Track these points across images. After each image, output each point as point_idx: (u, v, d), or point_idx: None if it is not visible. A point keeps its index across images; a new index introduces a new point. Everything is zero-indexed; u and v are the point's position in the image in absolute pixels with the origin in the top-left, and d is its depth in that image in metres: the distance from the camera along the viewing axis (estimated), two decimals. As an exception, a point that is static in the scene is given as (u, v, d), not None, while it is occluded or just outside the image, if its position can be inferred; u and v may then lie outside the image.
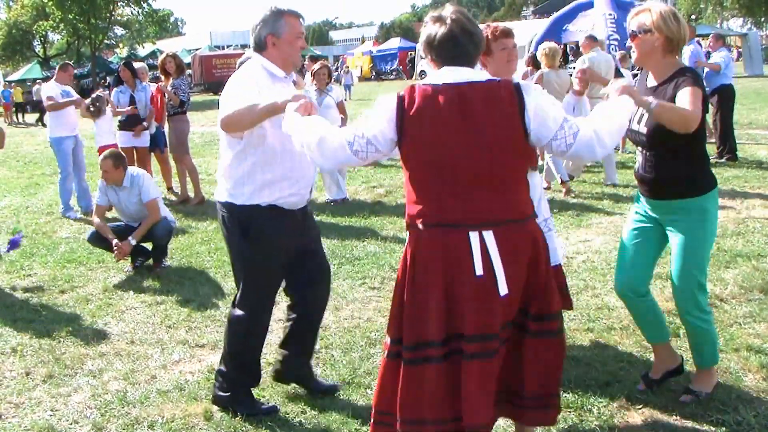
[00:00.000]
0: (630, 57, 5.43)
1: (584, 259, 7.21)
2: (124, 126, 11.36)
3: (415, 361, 3.28)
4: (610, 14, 18.23)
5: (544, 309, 3.39)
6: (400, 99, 3.31)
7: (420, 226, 3.29)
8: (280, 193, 4.21)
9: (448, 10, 3.28)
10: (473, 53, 3.31)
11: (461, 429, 3.27)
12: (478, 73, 3.32)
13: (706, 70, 12.44)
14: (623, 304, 5.83)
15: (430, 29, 3.30)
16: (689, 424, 4.11)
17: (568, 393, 4.45)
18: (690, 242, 4.11)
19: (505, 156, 3.22)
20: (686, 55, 12.38)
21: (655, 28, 3.93)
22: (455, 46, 3.26)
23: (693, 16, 57.72)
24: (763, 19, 51.11)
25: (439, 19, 3.27)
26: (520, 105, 3.19)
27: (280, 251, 4.32)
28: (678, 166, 4.07)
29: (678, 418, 4.16)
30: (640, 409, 4.27)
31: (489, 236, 3.19)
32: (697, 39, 13.15)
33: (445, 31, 3.25)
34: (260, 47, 4.24)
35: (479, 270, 3.18)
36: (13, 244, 7.59)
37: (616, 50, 18.66)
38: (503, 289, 3.20)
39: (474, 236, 3.19)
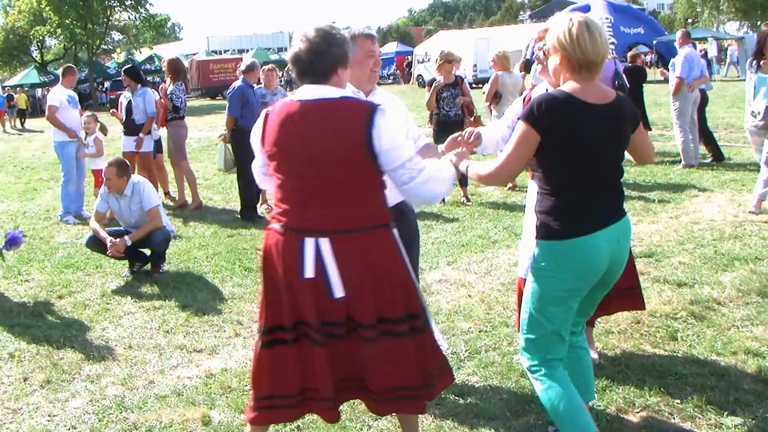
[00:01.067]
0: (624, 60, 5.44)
1: (582, 263, 7.20)
2: (127, 131, 11.34)
3: (271, 344, 3.55)
4: (607, 18, 18.32)
5: (384, 313, 3.40)
6: (265, 115, 3.56)
7: (270, 225, 3.54)
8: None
9: (308, 30, 3.43)
10: (327, 70, 3.41)
11: (306, 403, 3.55)
12: (332, 91, 3.42)
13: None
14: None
15: (293, 48, 3.47)
16: (687, 426, 4.12)
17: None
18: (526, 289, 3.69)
19: (342, 174, 3.35)
20: (680, 60, 12.37)
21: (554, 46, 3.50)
22: (304, 65, 3.42)
23: (690, 20, 57.87)
24: (759, 23, 51.09)
25: (299, 39, 3.45)
26: (367, 127, 3.30)
27: None
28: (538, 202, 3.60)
29: (676, 421, 4.17)
30: (638, 412, 4.28)
31: (324, 243, 3.36)
32: (691, 43, 13.10)
33: (295, 51, 3.43)
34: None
35: (309, 273, 3.37)
36: (12, 242, 7.51)
37: (613, 53, 18.72)
38: (339, 292, 3.36)
39: (309, 242, 3.38)
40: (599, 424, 4.12)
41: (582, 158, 3.42)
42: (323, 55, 3.39)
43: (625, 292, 4.71)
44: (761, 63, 8.62)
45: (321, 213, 3.37)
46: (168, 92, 11.10)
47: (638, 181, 10.98)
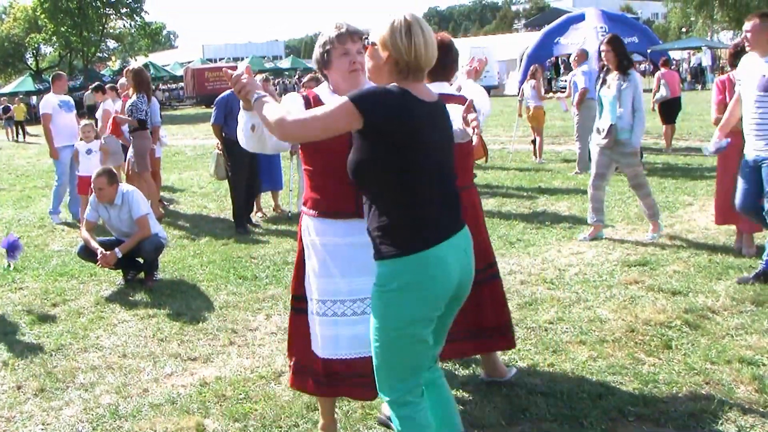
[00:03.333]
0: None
1: (576, 272, 7.22)
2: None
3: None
4: (602, 27, 18.39)
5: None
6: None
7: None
8: None
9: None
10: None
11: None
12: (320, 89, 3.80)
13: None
14: (615, 317, 5.88)
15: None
16: (682, 436, 4.12)
17: (561, 406, 4.45)
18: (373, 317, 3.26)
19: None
20: (579, 76, 12.99)
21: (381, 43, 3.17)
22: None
23: (684, 29, 58.03)
24: (753, 32, 51.26)
25: None
26: None
27: None
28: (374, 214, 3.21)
29: (671, 430, 4.16)
30: (632, 422, 4.27)
31: None
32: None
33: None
34: None
35: None
36: (13, 248, 7.46)
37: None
38: None
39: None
40: (594, 433, 4.13)
41: (421, 161, 3.11)
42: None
43: (496, 331, 4.72)
44: (606, 79, 8.33)
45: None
46: (128, 106, 10.76)
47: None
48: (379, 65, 3.18)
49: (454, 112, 3.67)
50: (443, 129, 3.29)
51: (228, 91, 9.87)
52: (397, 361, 3.21)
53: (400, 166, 3.07)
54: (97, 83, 15.69)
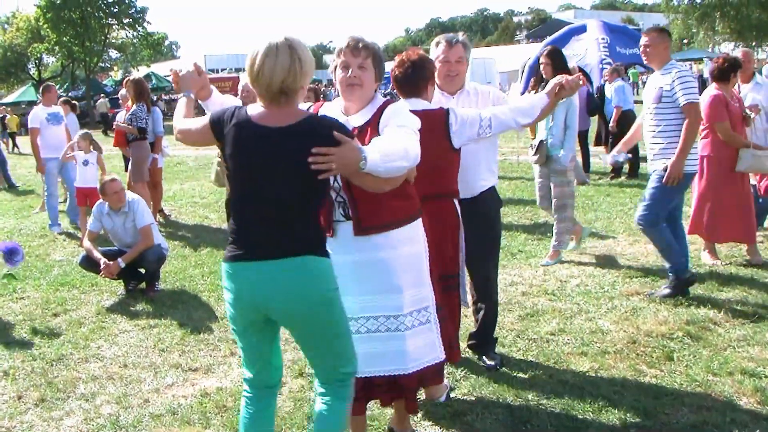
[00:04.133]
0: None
1: (578, 283, 7.21)
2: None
3: None
4: (603, 38, 18.36)
5: None
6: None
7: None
8: None
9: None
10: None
11: None
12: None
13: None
14: (617, 328, 5.87)
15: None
16: (684, 448, 4.11)
17: (563, 417, 4.44)
18: None
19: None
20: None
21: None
22: None
23: (685, 41, 58.09)
24: (754, 44, 51.37)
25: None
26: None
27: None
28: None
29: (672, 442, 4.16)
30: (634, 433, 4.27)
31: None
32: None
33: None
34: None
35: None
36: (11, 254, 7.45)
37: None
38: None
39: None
40: (595, 445, 4.12)
41: (239, 183, 3.33)
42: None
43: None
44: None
45: None
46: (128, 115, 10.84)
47: (633, 202, 11.00)
48: None
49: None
50: (276, 156, 3.20)
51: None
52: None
53: (232, 175, 3.36)
54: (64, 98, 15.92)
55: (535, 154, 7.97)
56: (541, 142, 7.87)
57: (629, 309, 6.37)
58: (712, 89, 7.37)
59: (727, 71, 7.39)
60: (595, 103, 14.00)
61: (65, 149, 11.22)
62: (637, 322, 6.01)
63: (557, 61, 7.99)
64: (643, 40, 6.53)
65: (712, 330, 5.80)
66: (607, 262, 7.96)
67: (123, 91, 12.76)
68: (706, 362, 5.17)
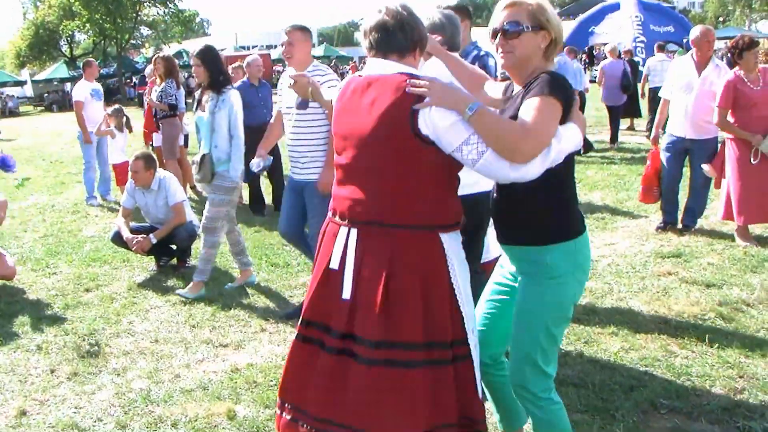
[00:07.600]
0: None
1: (609, 263, 7.16)
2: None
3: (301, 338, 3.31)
4: (637, 16, 18.17)
5: (367, 332, 3.04)
6: (339, 90, 3.35)
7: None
8: None
9: (389, 2, 3.16)
10: (405, 44, 3.13)
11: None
12: (394, 66, 3.12)
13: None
14: (648, 308, 5.82)
15: (368, 18, 3.18)
16: (715, 430, 4.07)
17: (592, 397, 4.42)
18: (525, 305, 3.15)
19: (384, 154, 3.03)
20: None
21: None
22: (382, 37, 3.14)
23: (721, 19, 57.27)
24: (791, 22, 50.56)
25: (379, 10, 3.16)
26: (412, 110, 2.94)
27: None
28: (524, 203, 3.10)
29: (704, 423, 4.12)
30: (665, 414, 4.23)
31: (353, 234, 3.09)
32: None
33: (377, 20, 3.14)
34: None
35: (334, 263, 3.14)
36: (3, 163, 7.48)
37: (642, 52, 18.58)
38: (346, 293, 3.07)
39: (343, 231, 3.13)
40: (625, 425, 4.09)
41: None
42: (404, 28, 3.13)
43: None
44: (201, 99, 6.79)
45: (357, 200, 3.09)
46: (159, 91, 10.87)
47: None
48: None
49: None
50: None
51: (239, 82, 9.92)
52: (556, 346, 3.24)
53: None
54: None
55: (199, 172, 6.64)
56: (204, 156, 6.60)
57: (660, 289, 6.32)
58: (731, 73, 7.44)
59: (740, 51, 7.32)
60: (628, 80, 13.85)
61: (99, 124, 11.37)
62: (669, 303, 5.96)
63: (210, 62, 6.60)
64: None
65: (745, 312, 5.74)
66: (638, 241, 7.89)
67: (149, 69, 12.83)
68: (738, 344, 5.11)
